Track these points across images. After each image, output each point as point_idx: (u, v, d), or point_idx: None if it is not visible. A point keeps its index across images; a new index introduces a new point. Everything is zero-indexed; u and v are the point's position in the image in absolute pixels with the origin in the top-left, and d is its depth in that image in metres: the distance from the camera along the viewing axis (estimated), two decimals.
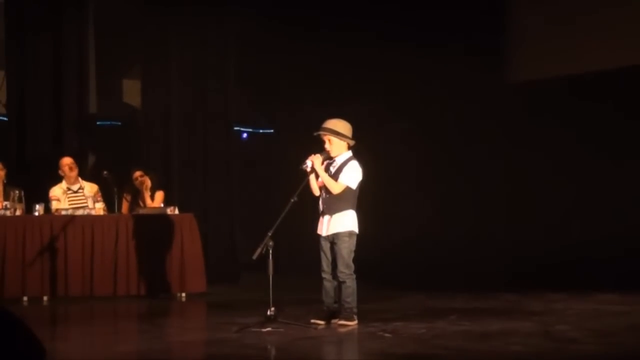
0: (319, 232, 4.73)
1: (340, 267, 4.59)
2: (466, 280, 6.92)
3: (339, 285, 4.62)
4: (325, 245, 4.67)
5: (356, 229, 4.67)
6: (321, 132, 4.69)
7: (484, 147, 7.42)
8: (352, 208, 4.68)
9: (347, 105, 6.72)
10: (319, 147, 4.72)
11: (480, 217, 7.37)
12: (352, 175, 4.66)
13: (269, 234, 4.40)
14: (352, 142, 4.71)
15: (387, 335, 4.26)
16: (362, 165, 4.68)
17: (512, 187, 7.33)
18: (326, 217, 4.69)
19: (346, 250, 4.60)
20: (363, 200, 4.72)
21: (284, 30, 7.99)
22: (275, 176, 8.27)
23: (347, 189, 4.65)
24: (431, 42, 7.30)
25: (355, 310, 4.64)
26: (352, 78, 7.86)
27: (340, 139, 4.68)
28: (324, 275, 4.67)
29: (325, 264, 4.65)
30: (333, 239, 4.64)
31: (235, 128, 8.33)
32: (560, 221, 6.99)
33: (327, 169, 4.71)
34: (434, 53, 7.25)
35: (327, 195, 4.68)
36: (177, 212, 6.46)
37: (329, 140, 4.68)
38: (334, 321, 4.61)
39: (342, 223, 4.64)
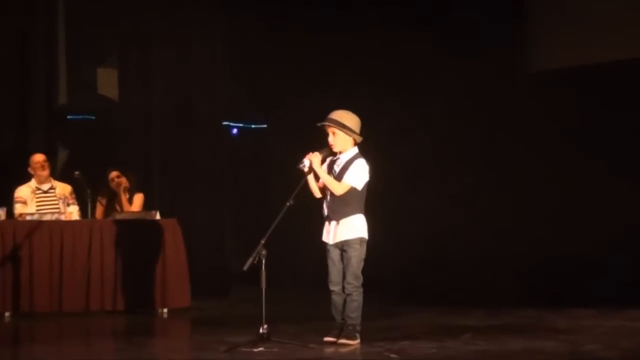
0: (325, 239, 4.72)
1: (349, 278, 4.59)
2: (480, 294, 6.94)
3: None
4: (335, 254, 4.66)
5: (366, 235, 4.67)
6: (326, 123, 4.67)
7: (501, 143, 7.43)
8: (360, 212, 4.67)
9: (351, 97, 6.74)
10: (319, 144, 4.72)
11: (496, 222, 7.37)
12: (359, 175, 4.64)
13: (262, 241, 4.40)
14: (359, 139, 4.69)
15: (393, 356, 4.26)
16: (370, 164, 4.69)
17: (533, 186, 7.34)
18: (332, 222, 4.68)
19: (356, 259, 4.60)
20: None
21: (280, 16, 8.06)
22: (270, 176, 8.28)
23: (352, 191, 4.64)
24: (445, 33, 7.37)
25: (358, 327, 4.64)
26: (357, 69, 7.88)
27: (347, 134, 4.66)
28: (332, 287, 4.65)
29: (335, 275, 4.64)
30: (343, 247, 4.64)
31: (225, 123, 8.38)
32: (585, 224, 6.99)
33: (330, 167, 4.71)
34: (449, 45, 7.31)
35: (332, 199, 4.67)
36: (158, 217, 6.48)
37: (334, 132, 4.66)
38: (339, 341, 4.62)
39: (351, 229, 4.63)
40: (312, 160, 4.60)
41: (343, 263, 4.61)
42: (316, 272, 5.11)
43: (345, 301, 4.60)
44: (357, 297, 4.60)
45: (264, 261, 4.36)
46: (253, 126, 9.13)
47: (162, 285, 6.35)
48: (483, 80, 7.34)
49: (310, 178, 4.65)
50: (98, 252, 6.27)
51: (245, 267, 4.35)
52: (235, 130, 9.04)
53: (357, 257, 4.59)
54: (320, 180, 4.68)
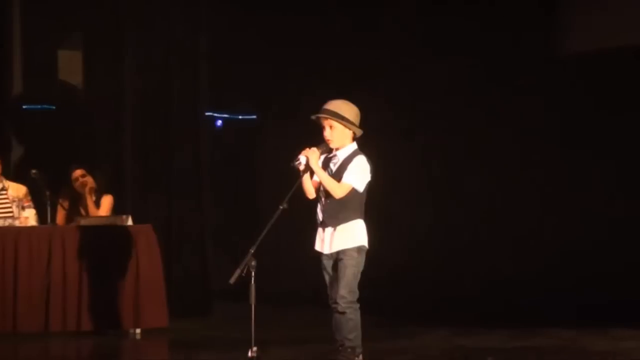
0: (318, 248, 4.73)
1: (342, 292, 4.59)
2: (504, 310, 6.96)
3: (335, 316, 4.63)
4: (329, 266, 4.69)
5: (366, 243, 4.67)
6: (321, 116, 4.66)
7: (526, 138, 7.54)
8: (360, 217, 4.68)
9: (355, 85, 6.78)
10: (317, 138, 4.70)
11: (520, 226, 7.43)
12: (360, 175, 4.65)
13: (251, 250, 4.38)
14: (359, 132, 4.69)
15: None
16: (371, 162, 4.69)
17: (560, 183, 7.44)
18: (328, 229, 4.68)
19: (352, 270, 4.61)
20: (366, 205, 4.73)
21: None
22: (260, 175, 8.35)
23: (353, 192, 4.64)
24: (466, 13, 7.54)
25: (359, 350, 4.64)
26: (363, 53, 7.92)
27: (346, 126, 4.66)
28: (332, 304, 4.67)
29: (330, 286, 4.67)
30: (338, 256, 4.66)
31: (207, 114, 8.36)
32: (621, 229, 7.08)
33: (325, 166, 4.70)
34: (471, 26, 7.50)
35: (328, 201, 4.67)
36: (130, 222, 6.50)
37: (331, 126, 4.66)
38: None
39: (349, 236, 4.64)
40: (309, 157, 4.59)
41: (337, 273, 4.63)
42: (314, 286, 5.11)
43: (340, 321, 4.61)
44: (352, 315, 4.60)
45: (253, 273, 4.36)
46: (240, 117, 9.14)
47: (135, 302, 6.38)
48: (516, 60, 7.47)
49: (307, 178, 4.66)
50: (59, 263, 6.26)
51: (232, 281, 4.35)
52: (219, 122, 9.06)
53: (353, 267, 4.59)
54: (315, 179, 4.68)
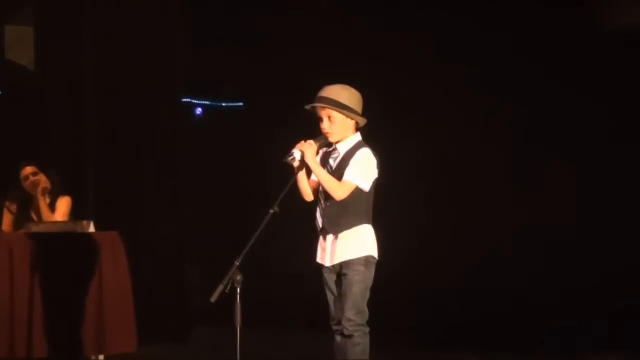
0: (319, 260, 4.76)
1: (348, 313, 4.62)
2: (529, 332, 7.01)
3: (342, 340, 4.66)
4: (332, 281, 4.72)
5: (376, 253, 4.70)
6: (317, 105, 4.66)
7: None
8: (367, 221, 4.69)
9: (359, 68, 6.77)
10: (314, 130, 4.70)
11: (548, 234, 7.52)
12: (364, 171, 4.65)
13: (237, 263, 4.36)
14: (362, 121, 4.71)
15: None
16: (377, 155, 4.70)
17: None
18: (329, 237, 4.70)
19: (359, 287, 4.62)
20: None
21: None
22: (247, 173, 8.38)
23: (357, 192, 4.64)
24: None
25: None
26: (370, 27, 8.00)
27: (347, 116, 4.67)
28: (335, 326, 4.71)
29: (337, 309, 4.71)
30: (342, 269, 4.68)
31: (185, 100, 8.49)
32: None
33: (324, 162, 4.73)
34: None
35: (328, 203, 4.68)
36: (92, 229, 6.51)
37: (329, 117, 4.66)
38: None
39: (355, 245, 4.66)
40: (305, 151, 4.59)
41: (341, 290, 4.67)
42: (312, 305, 5.12)
43: (345, 346, 4.64)
44: (360, 339, 4.62)
45: (239, 290, 4.34)
46: (225, 104, 9.12)
47: (98, 324, 6.38)
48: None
49: (302, 176, 4.67)
50: (5, 277, 6.23)
51: (214, 299, 4.32)
52: (199, 110, 9.05)
53: (360, 283, 4.61)
54: (312, 178, 4.71)
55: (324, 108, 4.64)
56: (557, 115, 7.66)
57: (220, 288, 4.33)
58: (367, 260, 4.64)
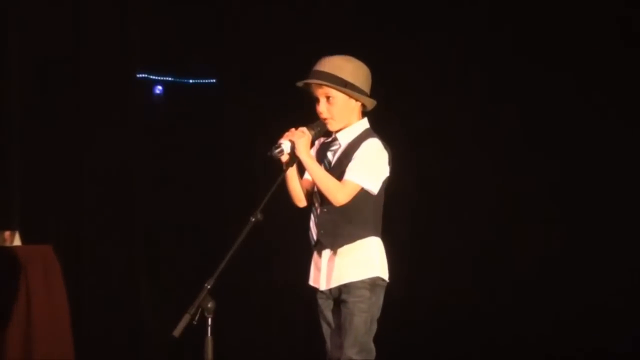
0: (312, 283, 4.79)
1: (349, 351, 4.64)
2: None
3: None
4: (328, 309, 4.75)
5: (385, 274, 4.71)
6: (312, 81, 4.67)
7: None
8: (375, 232, 4.70)
9: (365, 41, 6.86)
10: (309, 114, 4.71)
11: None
12: (372, 168, 4.67)
13: (207, 285, 4.34)
14: (371, 103, 4.74)
15: None
16: (389, 148, 4.73)
17: None
18: (325, 253, 4.71)
19: (362, 318, 4.63)
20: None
21: None
22: (222, 168, 8.32)
23: (363, 195, 4.65)
24: None
25: None
26: None
27: (351, 96, 4.68)
28: None
29: (333, 343, 4.74)
30: (341, 294, 4.68)
31: (141, 76, 8.43)
32: None
33: (321, 156, 4.76)
34: None
35: (325, 209, 4.70)
36: (18, 242, 6.57)
37: (328, 97, 4.67)
38: None
39: (358, 263, 4.67)
40: (296, 142, 4.60)
41: (340, 322, 4.69)
42: (304, 339, 5.11)
43: None
44: None
45: (210, 321, 4.33)
46: (192, 81, 9.09)
47: (25, 356, 6.41)
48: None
49: (292, 173, 4.68)
50: None
51: (177, 333, 4.30)
52: (159, 89, 9.03)
53: (364, 312, 4.64)
54: (306, 177, 4.73)
55: (320, 85, 4.64)
56: None
57: (187, 318, 4.31)
58: (373, 282, 4.64)
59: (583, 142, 7.67)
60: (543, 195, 7.82)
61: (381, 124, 4.82)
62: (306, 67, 4.73)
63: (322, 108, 4.65)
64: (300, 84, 4.68)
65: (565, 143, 7.74)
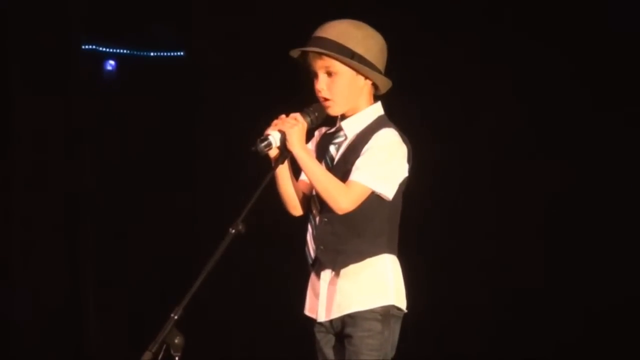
0: (308, 312, 4.86)
1: None
2: None
3: None
4: (328, 345, 4.83)
5: (402, 303, 4.78)
6: (310, 49, 4.71)
7: None
8: (389, 249, 4.76)
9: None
10: (304, 95, 4.76)
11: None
12: (386, 166, 4.71)
13: (174, 316, 4.36)
14: (385, 83, 4.79)
15: None
16: (408, 141, 4.78)
17: None
18: (325, 275, 4.78)
19: (372, 357, 4.68)
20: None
21: None
22: (193, 164, 8.49)
23: (373, 201, 4.71)
24: None
25: None
26: None
27: (359, 72, 4.72)
28: None
29: None
30: (345, 328, 4.73)
31: (87, 47, 8.52)
32: None
33: (322, 150, 4.85)
34: None
35: (325, 219, 4.77)
36: None
37: (330, 72, 4.71)
38: None
39: (367, 288, 4.73)
40: (288, 133, 4.63)
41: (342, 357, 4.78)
42: None
43: None
44: None
45: (177, 359, 4.36)
46: (153, 54, 9.12)
47: None
48: None
49: (283, 173, 4.75)
50: None
51: None
52: (112, 64, 9.06)
53: (374, 350, 4.70)
54: (302, 178, 4.82)
55: (320, 56, 4.65)
56: None
57: (148, 356, 4.32)
58: (386, 312, 4.69)
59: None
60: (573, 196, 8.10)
61: (398, 111, 4.83)
62: (303, 33, 4.75)
63: (322, 85, 4.67)
64: (294, 53, 4.69)
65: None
